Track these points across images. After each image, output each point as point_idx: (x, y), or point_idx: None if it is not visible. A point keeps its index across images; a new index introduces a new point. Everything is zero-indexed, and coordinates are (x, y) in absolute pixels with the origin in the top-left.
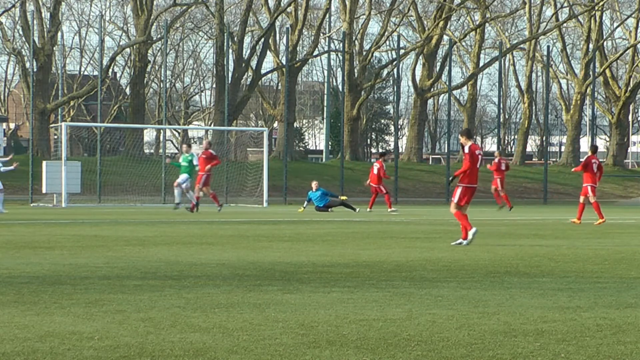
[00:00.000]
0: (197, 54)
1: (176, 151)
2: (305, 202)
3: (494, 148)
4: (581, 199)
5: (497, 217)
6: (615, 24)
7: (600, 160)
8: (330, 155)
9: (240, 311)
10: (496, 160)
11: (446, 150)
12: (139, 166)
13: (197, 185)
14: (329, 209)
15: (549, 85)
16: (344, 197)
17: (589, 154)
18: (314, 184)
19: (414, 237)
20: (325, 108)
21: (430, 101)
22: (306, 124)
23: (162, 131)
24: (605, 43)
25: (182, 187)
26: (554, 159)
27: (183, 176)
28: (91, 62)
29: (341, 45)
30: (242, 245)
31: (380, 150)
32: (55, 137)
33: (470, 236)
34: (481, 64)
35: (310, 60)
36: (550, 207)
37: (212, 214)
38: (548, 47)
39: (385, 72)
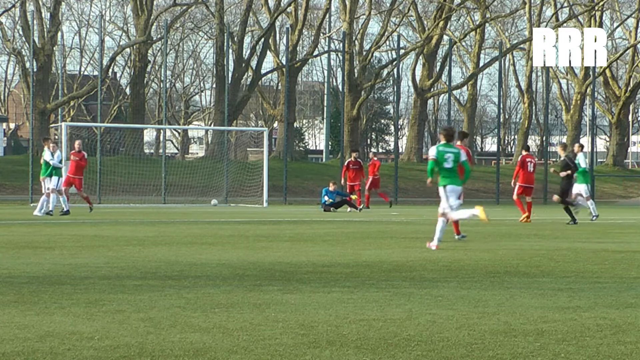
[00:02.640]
0: (197, 54)
1: (176, 151)
2: (325, 202)
3: (494, 148)
4: (515, 196)
5: (497, 217)
6: (615, 24)
7: (600, 160)
8: (330, 155)
9: (240, 311)
10: (371, 161)
11: None
12: (139, 166)
13: (64, 187)
14: (332, 208)
15: (549, 85)
16: (354, 197)
17: (523, 153)
18: (332, 185)
19: (414, 237)
20: (325, 108)
21: (430, 101)
22: (306, 124)
23: (162, 131)
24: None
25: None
26: (554, 159)
27: (55, 179)
28: (91, 62)
29: (341, 45)
30: (242, 245)
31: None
32: (56, 137)
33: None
34: (481, 64)
35: (310, 60)
36: (550, 207)
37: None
38: None
39: (385, 72)
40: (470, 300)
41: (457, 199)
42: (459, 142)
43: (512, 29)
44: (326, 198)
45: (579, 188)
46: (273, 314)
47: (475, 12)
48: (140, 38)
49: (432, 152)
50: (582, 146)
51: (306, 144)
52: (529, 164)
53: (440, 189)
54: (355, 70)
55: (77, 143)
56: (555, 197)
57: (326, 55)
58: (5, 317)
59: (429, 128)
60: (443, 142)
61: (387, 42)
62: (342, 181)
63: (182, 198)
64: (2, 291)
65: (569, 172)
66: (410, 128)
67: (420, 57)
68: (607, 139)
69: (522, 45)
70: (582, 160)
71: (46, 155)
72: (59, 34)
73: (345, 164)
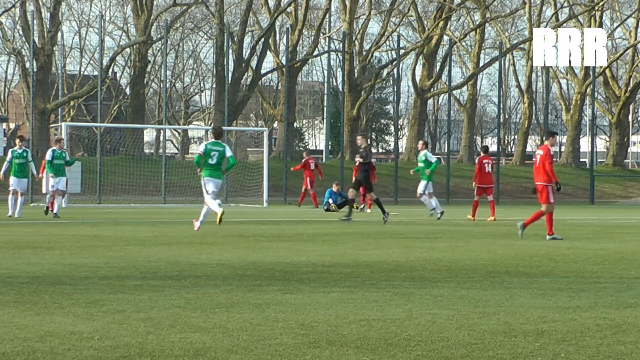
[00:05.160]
0: (197, 54)
1: (176, 151)
2: (331, 201)
3: (494, 148)
4: (475, 197)
5: (497, 217)
6: (615, 24)
7: (600, 160)
8: (330, 155)
9: (240, 311)
10: (305, 159)
11: (446, 150)
12: (139, 166)
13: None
14: (334, 207)
15: (549, 85)
16: (355, 205)
17: (481, 154)
18: (335, 187)
19: (414, 237)
20: (325, 108)
21: (430, 101)
22: (306, 124)
23: (162, 131)
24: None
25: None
26: (554, 159)
27: (62, 179)
28: (91, 62)
29: (341, 45)
30: (242, 245)
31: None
32: (56, 137)
33: None
34: (481, 64)
35: (310, 60)
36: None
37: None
38: None
39: (385, 72)
40: (470, 300)
41: (215, 189)
42: (546, 142)
43: (512, 29)
44: (330, 201)
45: (422, 185)
46: (273, 314)
47: (475, 12)
48: (140, 38)
49: (202, 147)
50: (426, 143)
51: (306, 144)
52: (486, 165)
53: (203, 180)
54: (355, 70)
55: (57, 139)
56: (350, 192)
57: (326, 55)
58: (5, 317)
59: (429, 128)
60: (212, 140)
61: (387, 42)
62: (354, 180)
63: (182, 198)
64: (2, 291)
65: (365, 159)
66: (410, 128)
67: (420, 57)
68: (607, 139)
69: (522, 45)
70: (429, 157)
71: (47, 154)
72: (59, 34)
73: (356, 164)
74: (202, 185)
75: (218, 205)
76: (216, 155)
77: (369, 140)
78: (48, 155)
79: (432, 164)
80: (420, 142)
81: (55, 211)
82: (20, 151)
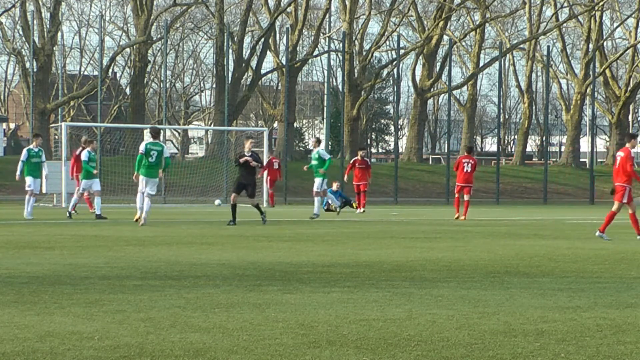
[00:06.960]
0: (197, 54)
1: (176, 151)
2: (331, 201)
3: (494, 148)
4: (456, 195)
5: (497, 217)
6: (615, 24)
7: (600, 160)
8: (330, 155)
9: (240, 311)
10: (269, 158)
11: (446, 150)
12: None
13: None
14: (333, 207)
15: (549, 85)
16: (354, 204)
17: (464, 153)
18: (335, 185)
19: (414, 237)
20: (325, 108)
21: (430, 101)
22: (306, 124)
23: (162, 131)
24: (605, 43)
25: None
26: (554, 159)
27: (96, 181)
28: (91, 62)
29: (341, 45)
30: (242, 245)
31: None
32: (56, 137)
33: None
34: (481, 64)
35: (310, 60)
36: (550, 207)
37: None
38: (548, 47)
39: (385, 72)
40: (470, 300)
41: (153, 187)
42: (628, 144)
43: (512, 29)
44: (330, 201)
45: (317, 183)
46: (273, 314)
47: (475, 12)
48: (140, 38)
49: (142, 147)
50: (319, 140)
51: (306, 144)
52: (465, 164)
53: (141, 177)
54: (355, 70)
55: (85, 139)
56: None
57: (326, 55)
58: (5, 317)
59: (429, 128)
60: (151, 140)
61: (387, 42)
62: (346, 178)
63: (182, 198)
64: (2, 291)
65: (258, 164)
66: (410, 128)
67: (420, 57)
68: (607, 139)
69: (522, 45)
70: (322, 154)
71: (83, 155)
72: (59, 34)
73: (351, 162)
74: (140, 182)
75: (143, 207)
76: (155, 154)
77: (368, 140)
78: (84, 156)
79: (325, 162)
80: (314, 140)
81: (98, 212)
82: (36, 150)
